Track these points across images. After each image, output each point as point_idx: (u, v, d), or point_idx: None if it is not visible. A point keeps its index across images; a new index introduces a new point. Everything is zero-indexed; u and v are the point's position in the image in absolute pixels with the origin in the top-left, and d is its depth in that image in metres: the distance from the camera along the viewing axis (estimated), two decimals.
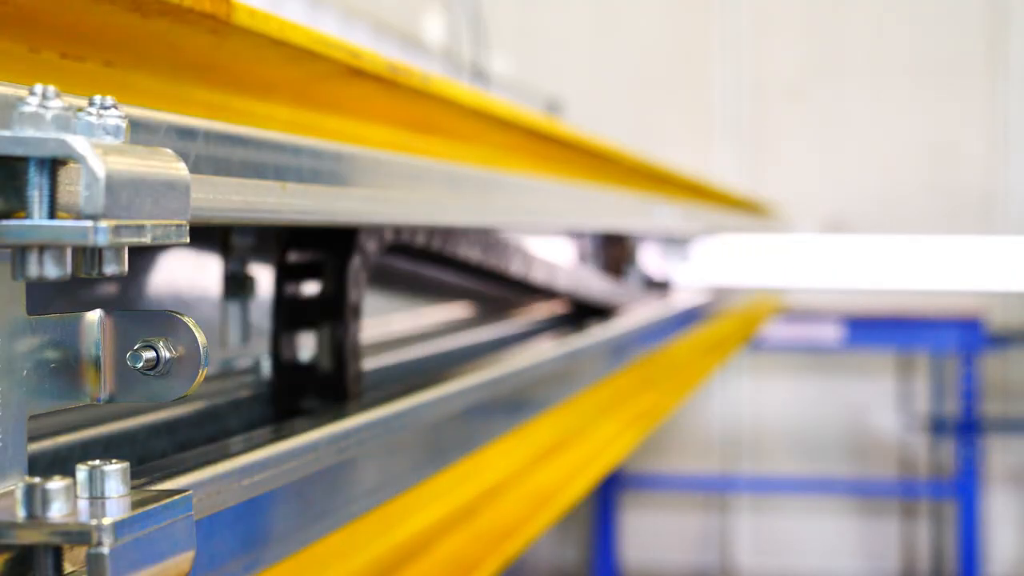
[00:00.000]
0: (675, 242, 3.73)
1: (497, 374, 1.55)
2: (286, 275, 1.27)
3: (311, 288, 1.27)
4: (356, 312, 1.28)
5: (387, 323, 1.75)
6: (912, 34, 5.79)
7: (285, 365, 1.26)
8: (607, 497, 5.51)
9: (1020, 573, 5.74)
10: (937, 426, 5.64)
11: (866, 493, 5.85)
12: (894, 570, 5.83)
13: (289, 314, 1.26)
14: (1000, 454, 5.73)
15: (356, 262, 1.27)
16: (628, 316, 2.60)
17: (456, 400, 1.37)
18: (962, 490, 5.25)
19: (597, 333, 2.23)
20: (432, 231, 1.48)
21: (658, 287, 3.29)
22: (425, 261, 1.71)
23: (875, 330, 5.27)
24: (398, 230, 1.38)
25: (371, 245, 1.30)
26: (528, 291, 2.21)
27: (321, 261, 1.26)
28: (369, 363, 1.45)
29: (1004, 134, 5.73)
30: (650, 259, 3.32)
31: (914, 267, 5.50)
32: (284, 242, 1.27)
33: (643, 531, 5.94)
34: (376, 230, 1.31)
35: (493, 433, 1.53)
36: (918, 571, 5.80)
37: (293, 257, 1.27)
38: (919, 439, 5.79)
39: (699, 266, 4.00)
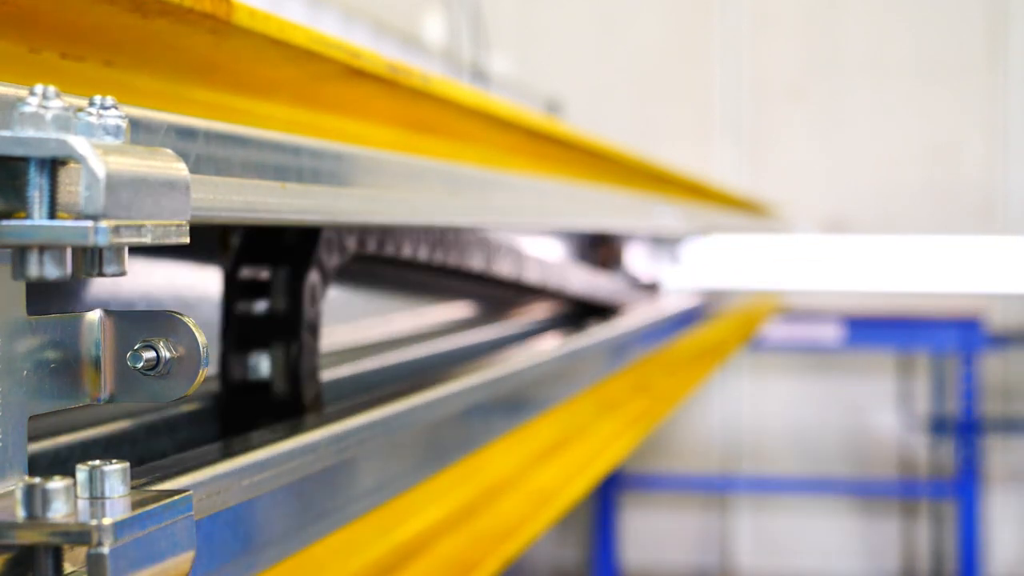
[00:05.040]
0: (669, 242, 3.72)
1: (500, 373, 1.55)
2: (237, 292, 1.16)
3: (263, 306, 1.16)
4: (313, 330, 1.18)
5: (366, 327, 1.67)
6: (912, 34, 5.79)
7: (235, 386, 1.15)
8: (607, 497, 5.51)
9: (1020, 573, 5.73)
10: (937, 426, 5.64)
11: (866, 493, 5.85)
12: (894, 570, 5.83)
13: (239, 333, 1.15)
14: (1000, 454, 5.73)
15: (313, 278, 1.16)
16: (628, 316, 2.60)
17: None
18: (962, 490, 5.25)
19: (599, 333, 2.23)
20: (402, 238, 1.39)
21: (650, 288, 3.27)
22: (402, 267, 1.62)
23: (875, 330, 5.27)
24: (362, 240, 1.28)
25: (331, 259, 1.20)
26: (521, 292, 2.20)
27: (274, 278, 1.15)
28: (345, 371, 1.41)
29: (1004, 134, 5.73)
30: (640, 259, 3.30)
31: (914, 268, 5.49)
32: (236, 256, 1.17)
33: (643, 531, 5.94)
34: (337, 241, 1.22)
35: (492, 434, 1.53)
36: (918, 571, 5.80)
37: (245, 273, 1.16)
38: (919, 439, 5.79)
39: (695, 268, 3.99)
